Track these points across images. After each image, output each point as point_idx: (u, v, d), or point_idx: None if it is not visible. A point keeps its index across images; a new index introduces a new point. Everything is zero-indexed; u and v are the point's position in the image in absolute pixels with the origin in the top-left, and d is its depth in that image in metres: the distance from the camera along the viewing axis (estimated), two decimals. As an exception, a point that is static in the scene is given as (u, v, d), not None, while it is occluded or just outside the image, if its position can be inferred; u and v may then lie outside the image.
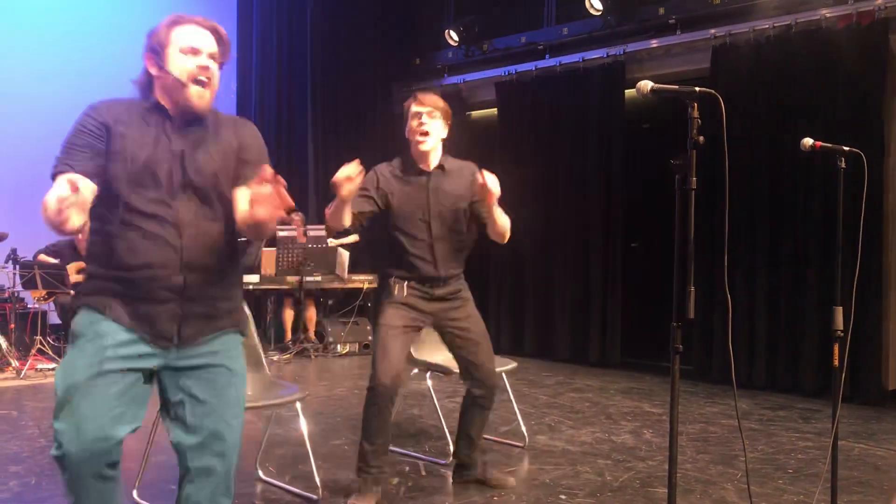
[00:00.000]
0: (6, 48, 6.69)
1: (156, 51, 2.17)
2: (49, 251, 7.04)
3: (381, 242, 3.42)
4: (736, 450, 4.26)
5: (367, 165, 2.98)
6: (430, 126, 3.30)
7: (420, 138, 3.30)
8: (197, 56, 2.17)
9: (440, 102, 3.36)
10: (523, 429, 4.36)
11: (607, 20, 7.12)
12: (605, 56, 7.23)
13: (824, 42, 5.85)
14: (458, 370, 3.57)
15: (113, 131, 2.12)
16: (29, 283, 6.47)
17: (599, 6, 7.03)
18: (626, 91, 7.11)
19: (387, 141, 8.69)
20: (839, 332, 2.97)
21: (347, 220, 3.11)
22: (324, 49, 8.63)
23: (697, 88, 2.13)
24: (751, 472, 3.85)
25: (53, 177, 2.06)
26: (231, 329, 2.30)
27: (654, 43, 6.98)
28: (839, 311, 2.98)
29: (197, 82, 2.16)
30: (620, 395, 5.85)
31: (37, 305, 6.75)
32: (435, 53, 8.82)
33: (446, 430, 4.15)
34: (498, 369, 3.98)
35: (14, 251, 6.52)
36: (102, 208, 2.12)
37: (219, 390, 2.21)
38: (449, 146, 3.47)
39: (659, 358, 7.03)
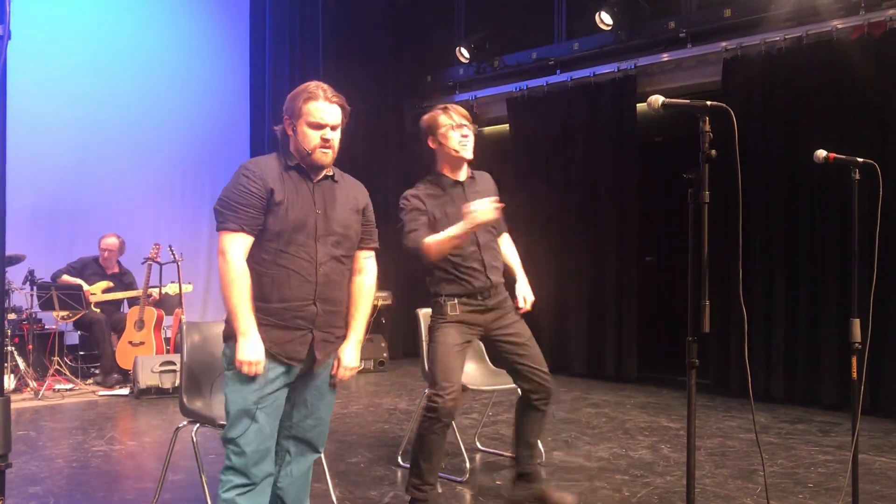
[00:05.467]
0: (23, 74, 6.75)
1: (291, 117, 2.52)
2: (72, 269, 7.10)
3: (430, 263, 3.35)
4: (755, 464, 4.22)
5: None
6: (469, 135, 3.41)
7: (465, 143, 3.36)
8: (321, 130, 2.51)
9: (468, 114, 3.46)
10: (540, 445, 4.33)
11: (618, 35, 7.14)
12: (616, 70, 7.25)
13: (836, 53, 5.83)
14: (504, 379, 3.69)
15: (272, 192, 2.44)
16: (46, 305, 6.53)
17: (610, 21, 7.06)
18: (638, 105, 7.11)
19: (399, 158, 8.68)
20: (857, 344, 2.96)
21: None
22: (335, 67, 8.67)
23: (709, 102, 2.13)
24: (770, 486, 3.81)
25: (222, 229, 2.42)
26: (335, 350, 2.68)
27: (664, 57, 6.98)
28: (856, 322, 2.97)
29: (322, 150, 2.52)
30: (637, 410, 5.82)
31: (56, 325, 6.80)
32: (446, 70, 8.86)
33: (462, 447, 4.15)
34: (513, 385, 3.98)
35: (32, 272, 6.57)
36: (259, 252, 2.46)
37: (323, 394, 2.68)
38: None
39: (676, 372, 6.98)
